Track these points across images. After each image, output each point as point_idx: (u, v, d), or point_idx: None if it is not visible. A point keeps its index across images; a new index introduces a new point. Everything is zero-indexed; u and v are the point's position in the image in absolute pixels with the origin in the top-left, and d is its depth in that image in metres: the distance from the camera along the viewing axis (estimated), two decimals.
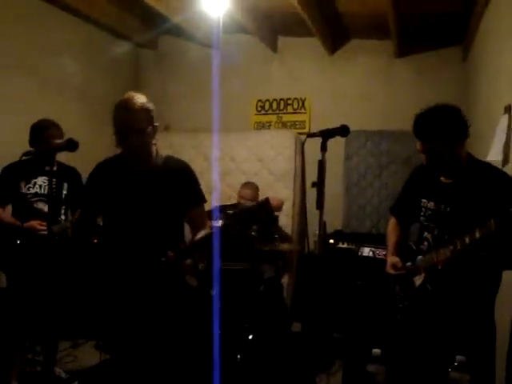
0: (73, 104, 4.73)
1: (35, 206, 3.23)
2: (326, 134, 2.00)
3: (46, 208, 3.23)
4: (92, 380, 3.41)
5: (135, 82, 5.67)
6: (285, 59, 5.31)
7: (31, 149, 3.10)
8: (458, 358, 1.87)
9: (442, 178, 2.36)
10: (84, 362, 3.67)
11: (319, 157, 1.99)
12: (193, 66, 5.47)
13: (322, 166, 1.95)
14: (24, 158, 2.10)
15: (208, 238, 2.23)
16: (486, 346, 2.21)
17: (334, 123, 2.08)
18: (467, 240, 2.06)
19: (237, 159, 5.04)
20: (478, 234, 2.00)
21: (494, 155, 2.83)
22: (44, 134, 3.10)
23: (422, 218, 2.43)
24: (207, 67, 5.41)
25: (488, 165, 2.35)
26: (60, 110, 4.45)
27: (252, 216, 2.10)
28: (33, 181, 3.23)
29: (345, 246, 4.14)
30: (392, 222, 2.71)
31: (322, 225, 2.02)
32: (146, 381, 2.36)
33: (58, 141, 2.03)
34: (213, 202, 4.05)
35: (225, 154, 5.09)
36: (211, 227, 2.40)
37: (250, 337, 3.55)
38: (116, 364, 2.43)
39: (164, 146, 4.73)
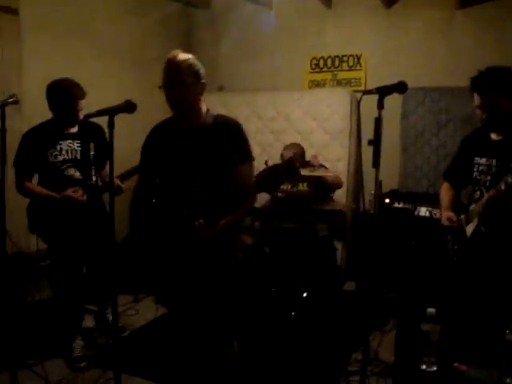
0: (126, 66, 4.80)
1: (66, 173, 3.15)
2: (383, 91, 1.96)
3: (76, 173, 3.18)
4: (152, 331, 3.58)
5: (188, 42, 5.67)
6: (339, 15, 5.15)
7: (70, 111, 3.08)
8: None
9: (494, 136, 2.54)
10: (145, 315, 3.85)
11: (375, 114, 1.95)
12: (246, 25, 5.40)
13: (378, 123, 1.92)
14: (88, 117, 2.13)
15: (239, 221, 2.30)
16: None
17: (391, 80, 2.03)
18: (502, 186, 2.21)
19: (291, 118, 5.01)
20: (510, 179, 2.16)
21: None
22: (70, 98, 3.07)
23: (474, 173, 2.60)
24: (261, 26, 5.36)
25: None
26: (113, 72, 4.56)
27: (277, 174, 2.17)
28: (58, 146, 3.14)
29: (401, 205, 4.08)
30: (445, 185, 2.90)
31: (378, 184, 1.99)
32: (201, 336, 2.46)
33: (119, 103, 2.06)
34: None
35: (279, 114, 5.06)
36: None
37: (305, 294, 3.61)
38: (172, 318, 2.54)
39: (218, 106, 4.79)
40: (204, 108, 2.42)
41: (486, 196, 2.40)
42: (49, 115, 3.20)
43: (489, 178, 2.51)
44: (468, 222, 2.58)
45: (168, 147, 2.40)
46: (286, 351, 3.17)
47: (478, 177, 2.59)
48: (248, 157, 2.44)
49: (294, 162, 3.70)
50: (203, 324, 2.42)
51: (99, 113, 2.04)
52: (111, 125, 1.97)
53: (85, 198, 3.09)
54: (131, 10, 4.87)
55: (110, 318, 3.51)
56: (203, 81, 2.35)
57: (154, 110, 4.80)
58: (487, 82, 2.41)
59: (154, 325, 3.70)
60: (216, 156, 2.34)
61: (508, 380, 1.87)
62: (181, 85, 2.27)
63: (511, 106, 2.40)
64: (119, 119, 2.05)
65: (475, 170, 2.61)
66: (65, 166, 3.16)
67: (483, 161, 2.57)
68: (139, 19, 4.92)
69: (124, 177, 3.15)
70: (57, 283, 3.22)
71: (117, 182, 3.03)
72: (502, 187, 2.24)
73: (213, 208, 2.30)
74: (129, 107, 2.02)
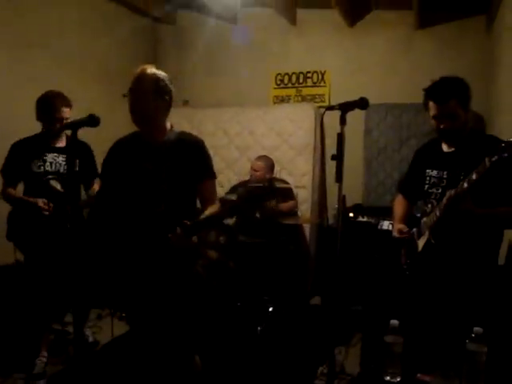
0: (91, 80, 4.76)
1: (48, 184, 3.22)
2: (345, 107, 2.00)
3: (58, 186, 3.23)
4: (116, 349, 3.51)
5: (153, 57, 5.66)
6: (304, 32, 5.25)
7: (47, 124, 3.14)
8: (476, 329, 1.88)
9: (445, 148, 2.53)
10: (108, 332, 3.76)
11: (339, 130, 1.99)
12: (211, 41, 5.44)
13: (341, 139, 1.96)
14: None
15: (216, 217, 2.28)
16: (505, 315, 2.22)
17: (354, 96, 2.08)
18: (465, 184, 2.17)
19: (256, 134, 5.04)
20: (474, 176, 2.11)
21: None
22: (52, 107, 3.12)
23: (426, 186, 2.58)
24: (226, 42, 5.40)
25: (489, 135, 2.60)
26: (78, 85, 4.50)
27: (255, 198, 2.16)
28: (43, 158, 3.22)
29: (364, 219, 4.15)
30: (398, 198, 2.91)
31: (342, 198, 2.03)
32: (162, 351, 2.42)
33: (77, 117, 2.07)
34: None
35: (244, 129, 5.09)
36: (221, 203, 2.47)
37: (270, 309, 3.61)
38: (135, 335, 2.50)
39: (183, 121, 4.79)
40: (168, 125, 2.44)
41: (437, 212, 2.39)
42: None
43: (440, 190, 2.50)
44: (420, 235, 2.57)
45: (130, 161, 2.39)
46: (252, 366, 3.15)
47: (429, 189, 2.56)
48: (211, 174, 2.47)
49: (273, 181, 3.78)
50: (163, 339, 2.39)
51: (62, 127, 2.03)
52: (74, 138, 1.95)
53: (47, 211, 3.09)
54: (97, 23, 4.85)
55: (89, 336, 3.57)
56: (167, 98, 2.36)
57: (119, 123, 4.79)
58: (447, 91, 2.38)
59: (116, 342, 3.62)
60: (177, 172, 2.34)
61: None
62: (142, 96, 2.29)
63: (466, 118, 2.41)
64: (84, 133, 2.04)
65: (427, 182, 2.59)
66: (48, 178, 3.22)
67: (434, 173, 2.56)
68: (105, 32, 4.90)
69: (82, 204, 3.27)
70: (29, 294, 3.19)
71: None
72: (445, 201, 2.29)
73: (171, 222, 2.27)
74: (92, 121, 2.00)
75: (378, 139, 4.93)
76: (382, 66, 4.91)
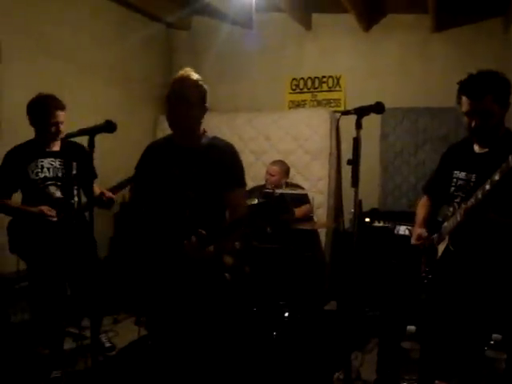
0: (107, 86, 4.82)
1: (47, 191, 3.14)
2: (361, 112, 1.99)
3: (57, 192, 3.17)
4: (133, 354, 3.52)
5: (168, 63, 5.71)
6: (319, 37, 5.25)
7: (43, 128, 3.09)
8: (495, 336, 1.86)
9: (477, 148, 2.34)
10: (125, 337, 3.79)
11: (355, 134, 1.98)
12: (226, 47, 5.47)
13: (357, 143, 1.94)
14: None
15: (232, 226, 2.25)
16: None
17: (370, 100, 2.07)
18: (487, 186, 2.03)
19: (272, 139, 5.05)
20: (497, 177, 1.98)
21: None
22: (47, 111, 3.08)
23: (452, 188, 2.41)
24: (240, 47, 5.42)
25: None
26: (95, 93, 4.57)
27: (265, 213, 2.11)
28: (40, 164, 3.14)
29: (381, 224, 4.12)
30: (423, 200, 2.72)
31: (358, 203, 2.01)
32: (182, 357, 2.43)
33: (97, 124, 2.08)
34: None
35: (259, 134, 5.10)
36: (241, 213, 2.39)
37: (286, 314, 3.60)
38: (153, 340, 2.50)
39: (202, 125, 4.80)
40: (201, 129, 2.43)
41: (458, 216, 2.25)
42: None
43: (466, 194, 2.29)
44: (440, 240, 2.44)
45: (162, 165, 2.38)
46: (268, 371, 3.14)
47: (455, 192, 2.39)
48: (242, 183, 2.42)
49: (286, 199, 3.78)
50: (188, 347, 2.39)
51: (80, 132, 2.06)
52: (91, 144, 1.97)
53: (55, 217, 3.06)
54: (112, 30, 4.92)
55: (105, 342, 3.55)
56: (207, 105, 2.36)
57: (135, 129, 4.84)
58: (482, 86, 2.18)
59: (134, 347, 3.64)
60: (206, 178, 2.31)
61: None
62: (187, 102, 2.26)
63: (502, 116, 2.23)
64: (100, 138, 2.06)
65: (453, 184, 2.41)
66: (45, 184, 3.15)
67: (462, 175, 2.37)
68: (120, 39, 4.97)
69: (116, 189, 3.15)
70: (35, 305, 3.17)
71: (109, 194, 3.08)
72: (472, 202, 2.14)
73: (198, 229, 2.21)
74: (109, 127, 2.02)
75: (394, 143, 4.90)
76: (398, 70, 4.89)
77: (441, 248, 2.42)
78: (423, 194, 2.74)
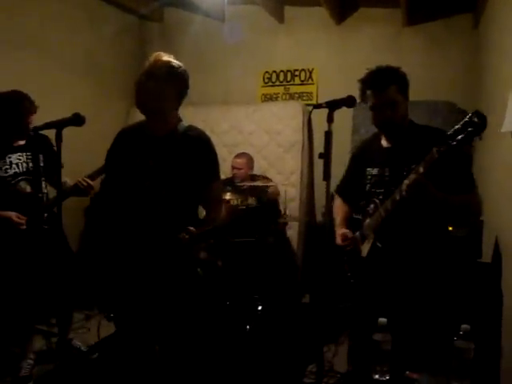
0: (76, 78, 4.71)
1: (17, 187, 3.05)
2: (332, 105, 1.98)
3: (28, 187, 3.09)
4: (108, 351, 3.48)
5: (140, 55, 5.62)
6: (291, 30, 5.25)
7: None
8: (463, 326, 1.89)
9: (385, 143, 2.38)
10: (96, 333, 3.74)
11: (327, 128, 1.98)
12: (199, 39, 5.42)
13: (328, 137, 1.94)
14: None
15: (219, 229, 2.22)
16: (492, 314, 2.23)
17: (342, 94, 2.06)
18: (412, 177, 2.04)
19: (244, 132, 5.04)
20: (421, 169, 2.00)
21: (508, 126, 2.78)
22: (18, 108, 2.98)
23: (367, 185, 2.42)
24: (213, 39, 5.39)
25: (427, 127, 2.42)
26: (63, 84, 4.46)
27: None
28: (8, 160, 3.03)
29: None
30: (338, 201, 2.70)
31: (330, 196, 2.01)
32: (154, 351, 2.40)
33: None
34: None
35: (232, 127, 5.08)
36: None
37: (259, 308, 3.60)
38: (124, 336, 2.46)
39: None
40: (177, 118, 2.33)
41: (381, 213, 2.25)
42: None
43: (382, 189, 2.32)
44: (363, 238, 2.44)
45: (134, 153, 2.27)
46: (241, 364, 3.14)
47: (371, 189, 2.39)
48: (217, 176, 2.37)
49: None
50: (160, 341, 2.37)
51: (46, 126, 2.01)
52: (59, 138, 1.92)
53: (24, 225, 2.97)
54: (84, 21, 4.81)
55: (77, 344, 3.46)
56: (180, 88, 2.26)
57: (108, 121, 4.77)
58: (386, 77, 2.28)
59: (105, 343, 3.60)
60: (180, 170, 2.23)
61: None
62: (155, 79, 2.16)
63: (406, 107, 2.31)
64: (72, 131, 2.01)
65: (368, 181, 2.41)
66: (16, 180, 3.06)
67: (375, 171, 2.37)
68: (92, 30, 4.87)
69: (93, 176, 3.05)
70: (4, 303, 3.10)
71: (86, 181, 2.98)
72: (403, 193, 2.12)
73: (171, 222, 2.19)
74: (77, 120, 1.98)
75: (366, 137, 4.92)
76: (370, 64, 4.86)
77: (366, 246, 2.41)
78: (336, 195, 2.72)
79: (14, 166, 3.06)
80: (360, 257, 2.44)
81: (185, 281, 2.29)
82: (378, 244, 2.32)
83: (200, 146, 2.30)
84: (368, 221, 2.39)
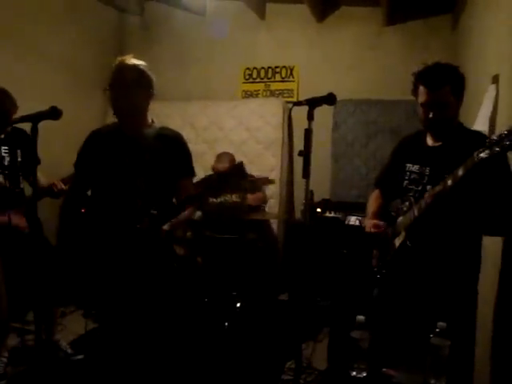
0: (53, 71, 4.61)
1: None
2: (313, 103, 1.98)
3: (5, 182, 3.04)
4: (89, 349, 3.44)
5: (120, 49, 5.54)
6: (273, 26, 5.23)
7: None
8: (440, 324, 1.91)
9: (430, 141, 2.32)
10: (73, 330, 3.69)
11: (307, 125, 1.97)
12: (179, 33, 5.38)
13: (308, 134, 1.94)
14: None
15: (182, 203, 2.24)
16: (468, 312, 2.25)
17: (323, 92, 2.06)
18: (449, 181, 2.00)
19: (224, 128, 5.02)
20: (461, 172, 1.94)
21: (479, 125, 2.82)
22: (4, 112, 2.90)
23: (405, 181, 2.38)
24: (194, 34, 5.34)
25: (477, 132, 2.36)
26: (39, 77, 4.36)
27: (224, 181, 2.10)
28: None
29: (332, 214, 4.17)
30: (375, 193, 2.67)
31: (309, 194, 2.02)
32: (135, 349, 2.39)
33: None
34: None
35: (212, 123, 5.05)
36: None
37: (238, 305, 3.60)
38: (104, 332, 2.45)
39: (149, 114, 4.71)
40: (149, 118, 2.40)
41: (415, 211, 2.21)
42: None
43: (420, 187, 2.28)
44: (394, 236, 2.37)
45: (107, 153, 2.33)
46: (219, 361, 3.13)
47: (408, 186, 2.35)
48: (191, 171, 2.43)
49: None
50: (136, 335, 2.35)
51: (22, 119, 1.97)
52: (35, 132, 1.88)
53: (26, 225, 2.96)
54: (62, 14, 4.71)
55: (64, 346, 3.39)
56: (151, 90, 2.34)
57: (84, 116, 4.70)
58: (441, 76, 2.16)
59: (82, 340, 3.56)
60: (156, 168, 2.28)
61: (432, 381, 1.93)
62: (125, 89, 2.25)
63: (457, 109, 2.22)
64: (47, 126, 1.97)
65: (406, 178, 2.37)
66: None
67: (415, 168, 2.33)
68: (70, 23, 4.76)
69: (68, 180, 3.08)
70: None
71: (60, 185, 3.04)
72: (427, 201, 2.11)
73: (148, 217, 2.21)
74: (54, 114, 1.94)
75: (346, 135, 4.96)
76: (350, 62, 4.94)
77: (396, 243, 2.37)
78: (374, 188, 2.70)
79: None
80: (390, 253, 2.40)
81: (160, 275, 2.31)
82: (408, 243, 2.28)
83: (173, 142, 2.38)
84: (401, 218, 2.35)
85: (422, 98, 2.21)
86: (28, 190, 3.07)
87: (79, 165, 2.46)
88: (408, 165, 2.38)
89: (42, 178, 3.13)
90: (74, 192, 2.53)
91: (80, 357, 3.37)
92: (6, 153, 3.07)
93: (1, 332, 3.09)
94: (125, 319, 2.33)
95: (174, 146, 2.34)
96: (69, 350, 3.40)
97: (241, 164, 2.14)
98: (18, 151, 3.13)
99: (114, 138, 2.36)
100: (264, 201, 4.30)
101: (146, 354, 2.40)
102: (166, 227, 2.21)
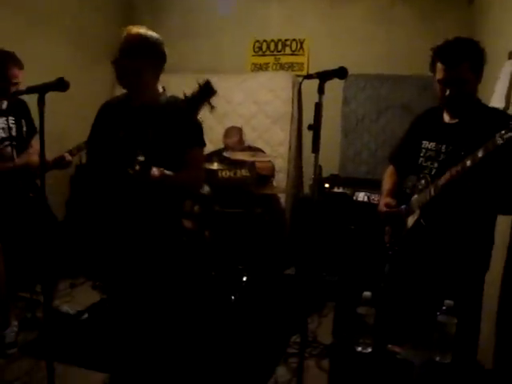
0: (62, 42, 4.56)
1: (4, 152, 3.04)
2: (323, 76, 1.94)
3: (13, 152, 3.08)
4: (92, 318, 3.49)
5: (127, 20, 5.47)
6: None
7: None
8: (447, 302, 1.90)
9: (447, 118, 2.28)
10: (81, 301, 3.74)
11: (317, 99, 1.95)
12: (188, 5, 5.30)
13: (318, 108, 1.91)
14: None
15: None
16: (475, 291, 2.25)
17: (333, 65, 2.02)
18: (468, 162, 1.95)
19: (233, 102, 4.97)
20: (480, 154, 1.89)
21: (496, 101, 2.76)
22: (5, 70, 2.93)
23: (420, 159, 2.35)
24: (203, 7, 5.26)
25: (496, 109, 2.31)
26: (48, 47, 4.33)
27: (196, 100, 2.08)
28: None
29: (340, 190, 4.15)
30: (389, 169, 2.64)
31: (318, 169, 1.99)
32: (142, 321, 2.41)
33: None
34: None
35: (221, 97, 4.96)
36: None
37: (244, 278, 3.62)
38: (112, 304, 2.46)
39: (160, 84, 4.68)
40: (160, 88, 2.32)
41: (431, 190, 2.18)
42: None
43: (436, 165, 2.24)
44: (408, 213, 2.37)
45: (115, 124, 2.28)
46: (225, 335, 3.17)
47: (424, 163, 2.31)
48: (200, 142, 2.32)
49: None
50: (145, 309, 2.37)
51: (29, 90, 1.95)
52: (41, 103, 1.87)
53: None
54: None
55: (65, 309, 3.48)
56: (157, 59, 2.25)
57: (92, 88, 4.67)
58: (460, 53, 2.09)
59: (90, 311, 3.61)
60: (163, 138, 2.20)
61: (438, 358, 1.93)
62: (128, 57, 2.18)
63: (476, 85, 2.16)
64: (55, 97, 1.96)
65: (422, 155, 2.34)
66: (1, 146, 3.03)
67: (432, 145, 2.29)
68: None
69: (74, 152, 3.10)
70: None
71: (67, 156, 3.06)
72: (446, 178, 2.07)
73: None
74: (61, 85, 1.92)
75: (356, 110, 4.90)
76: (362, 36, 4.85)
77: (410, 221, 2.36)
78: (389, 163, 2.66)
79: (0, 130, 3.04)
80: (403, 230, 2.39)
81: (169, 248, 2.29)
82: (422, 222, 2.27)
83: (181, 112, 2.22)
84: (416, 196, 2.33)
85: (439, 75, 2.17)
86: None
87: (91, 137, 2.42)
88: (424, 142, 2.35)
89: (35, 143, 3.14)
90: (88, 164, 2.47)
91: (85, 316, 3.46)
92: (12, 123, 3.09)
93: (9, 302, 3.13)
94: (131, 291, 2.33)
95: (181, 116, 2.22)
96: (71, 312, 3.47)
97: (207, 82, 2.10)
98: (23, 121, 3.15)
99: (120, 109, 2.31)
100: (272, 171, 4.28)
101: (152, 325, 2.42)
102: (155, 172, 2.12)
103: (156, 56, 2.25)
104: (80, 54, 4.73)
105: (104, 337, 2.90)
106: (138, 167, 2.06)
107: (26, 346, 3.06)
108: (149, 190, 2.14)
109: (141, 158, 2.07)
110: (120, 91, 2.41)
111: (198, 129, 2.31)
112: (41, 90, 1.88)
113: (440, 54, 2.17)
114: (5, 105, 3.09)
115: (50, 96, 1.94)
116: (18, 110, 3.11)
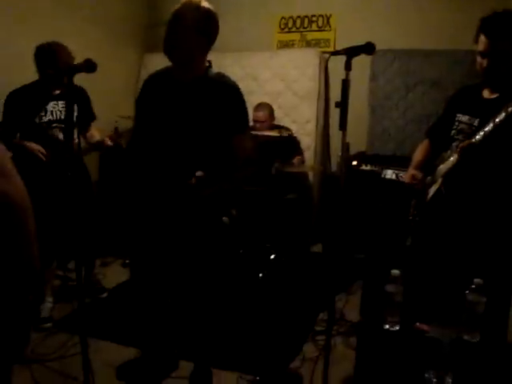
0: (86, 23, 4.57)
1: (50, 133, 3.13)
2: (350, 52, 1.91)
3: (60, 135, 3.15)
4: (120, 296, 3.57)
5: (152, 2, 5.47)
6: None
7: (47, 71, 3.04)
8: (476, 280, 1.89)
9: (486, 94, 2.24)
10: (113, 280, 3.82)
11: (344, 76, 1.92)
12: None
13: (345, 85, 1.89)
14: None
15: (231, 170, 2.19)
16: (505, 268, 2.22)
17: (360, 41, 1.99)
18: (497, 120, 1.96)
19: (259, 79, 4.94)
20: (500, 118, 1.93)
21: None
22: (57, 57, 2.98)
23: (453, 131, 2.33)
24: None
25: None
26: (73, 29, 4.34)
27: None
28: (44, 107, 3.12)
29: (368, 167, 4.11)
30: (424, 143, 2.62)
31: (345, 146, 1.98)
32: (173, 297, 2.45)
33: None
34: None
35: (247, 74, 4.98)
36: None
37: (272, 256, 3.64)
38: (141, 282, 2.50)
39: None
40: (206, 63, 2.24)
41: (455, 158, 2.19)
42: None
43: (466, 138, 2.21)
44: (431, 184, 2.38)
45: (161, 99, 2.19)
46: (253, 312, 3.20)
47: (455, 136, 2.30)
48: (246, 127, 2.26)
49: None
50: (176, 286, 2.40)
51: (58, 73, 1.97)
52: (70, 84, 1.89)
53: (44, 158, 3.05)
54: None
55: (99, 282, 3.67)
56: (211, 36, 2.17)
57: (119, 69, 4.70)
58: (504, 26, 2.04)
59: (121, 288, 3.69)
60: (210, 115, 2.13)
61: (466, 337, 1.93)
62: (182, 23, 2.06)
63: None
64: (82, 79, 1.97)
65: (454, 127, 2.32)
66: (50, 127, 3.14)
67: (465, 119, 2.26)
68: None
69: (114, 138, 3.18)
70: None
71: (107, 141, 3.15)
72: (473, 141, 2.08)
73: (200, 169, 2.12)
74: (89, 66, 1.93)
75: (384, 86, 4.81)
76: (390, 9, 4.73)
77: (432, 190, 2.37)
78: (425, 138, 2.64)
79: (48, 113, 3.14)
80: (425, 200, 2.39)
81: (209, 230, 2.25)
82: (443, 190, 2.27)
83: (229, 93, 2.18)
84: (441, 166, 2.34)
85: (480, 47, 2.13)
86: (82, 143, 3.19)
87: (137, 114, 2.37)
88: (458, 115, 2.33)
89: (97, 132, 3.34)
90: (135, 141, 2.40)
91: (105, 295, 3.59)
92: (63, 107, 3.18)
93: (38, 279, 3.21)
94: (162, 268, 2.35)
95: (228, 98, 2.16)
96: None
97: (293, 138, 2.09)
98: (75, 106, 3.21)
99: (164, 83, 2.21)
100: (303, 161, 4.29)
101: (182, 301, 2.46)
102: (207, 191, 2.12)
103: (211, 30, 2.17)
104: (105, 36, 4.75)
105: (136, 313, 2.96)
106: (194, 181, 2.07)
107: (61, 321, 3.15)
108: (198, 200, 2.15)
109: (199, 174, 2.07)
110: (146, 73, 2.36)
111: (245, 113, 2.25)
112: (69, 72, 1.89)
113: (483, 25, 2.11)
114: (59, 90, 3.19)
115: (78, 79, 1.96)
116: (72, 96, 3.18)
